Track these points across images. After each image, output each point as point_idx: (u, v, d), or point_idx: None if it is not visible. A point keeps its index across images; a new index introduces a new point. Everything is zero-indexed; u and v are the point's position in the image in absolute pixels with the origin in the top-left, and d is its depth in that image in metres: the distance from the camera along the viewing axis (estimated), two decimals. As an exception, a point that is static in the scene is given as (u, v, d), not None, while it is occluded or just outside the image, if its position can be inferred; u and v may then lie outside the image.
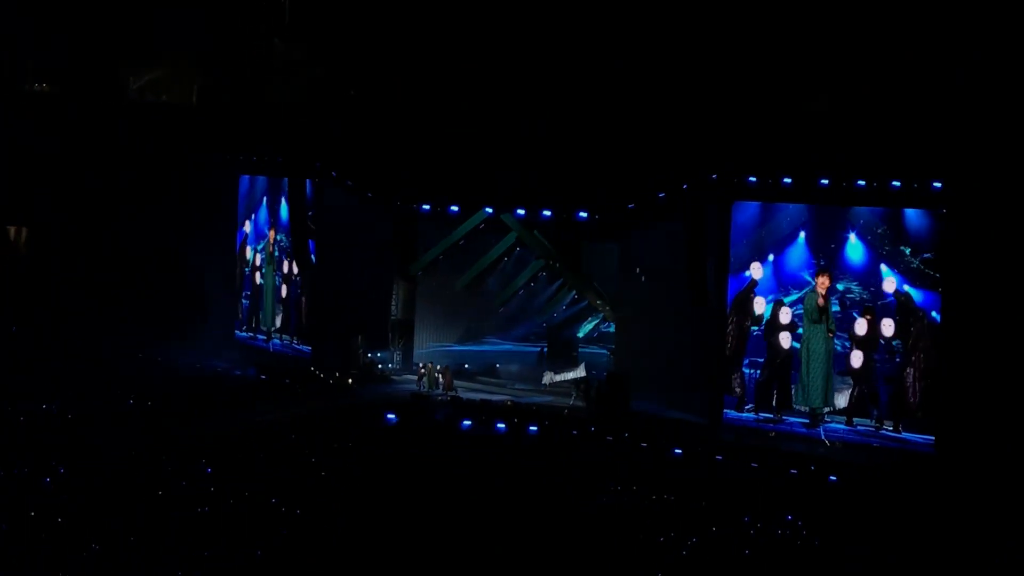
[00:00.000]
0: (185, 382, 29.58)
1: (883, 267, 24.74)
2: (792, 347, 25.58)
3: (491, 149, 29.17)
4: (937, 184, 23.54)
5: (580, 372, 29.76)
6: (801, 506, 20.72)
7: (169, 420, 25.36)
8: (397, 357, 32.46)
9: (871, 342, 24.80)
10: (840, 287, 25.17)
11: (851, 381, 25.03)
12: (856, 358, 24.86)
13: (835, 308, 25.15)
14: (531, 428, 25.88)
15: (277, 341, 33.09)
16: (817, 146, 24.93)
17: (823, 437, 24.64)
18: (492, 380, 31.51)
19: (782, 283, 25.90)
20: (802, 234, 25.71)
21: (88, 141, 33.49)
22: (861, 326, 24.95)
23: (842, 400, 25.14)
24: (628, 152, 27.37)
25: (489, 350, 32.86)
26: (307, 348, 31.73)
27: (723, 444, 24.50)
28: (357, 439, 24.40)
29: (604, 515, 20.12)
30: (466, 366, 31.47)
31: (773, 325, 25.75)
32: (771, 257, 26.05)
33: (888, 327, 24.60)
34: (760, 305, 25.84)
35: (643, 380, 27.62)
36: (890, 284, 24.55)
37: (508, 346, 32.97)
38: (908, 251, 24.37)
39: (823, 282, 25.07)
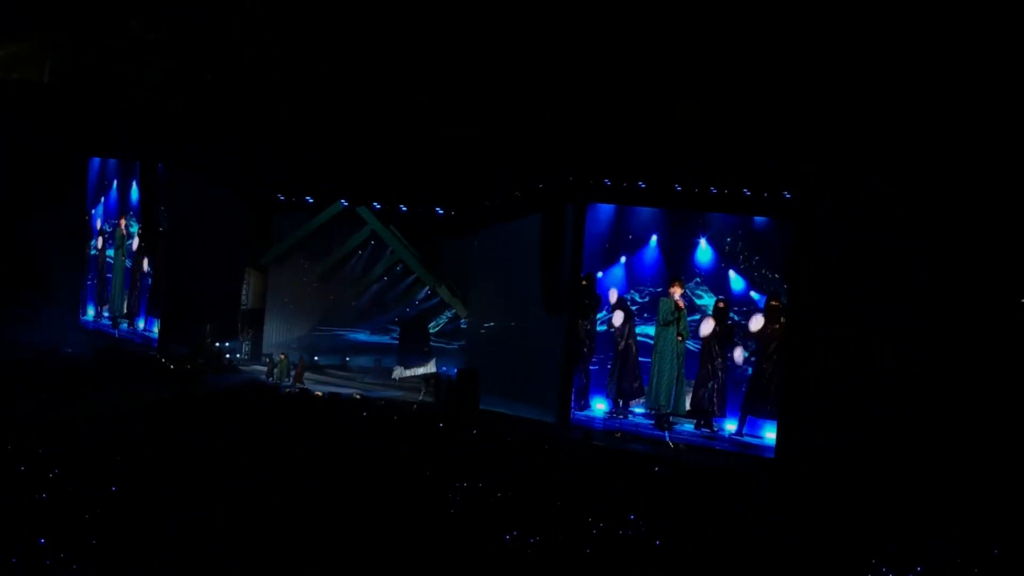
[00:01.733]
0: (26, 364, 28.82)
1: (731, 272, 25.29)
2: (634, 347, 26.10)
3: (348, 141, 28.98)
4: (787, 194, 24.05)
5: (431, 367, 29.75)
6: (642, 506, 20.96)
7: (6, 402, 24.69)
8: (246, 347, 32.12)
9: (716, 345, 25.32)
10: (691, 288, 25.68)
11: (701, 384, 25.51)
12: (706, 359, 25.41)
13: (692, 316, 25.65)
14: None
15: (125, 326, 32.50)
16: (674, 152, 25.25)
17: (668, 439, 25.01)
18: (342, 373, 31.35)
19: (634, 284, 26.31)
20: (654, 238, 26.13)
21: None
22: (707, 326, 25.46)
23: (689, 403, 25.64)
24: (486, 149, 27.42)
25: (341, 342, 32.68)
26: (154, 335, 31.22)
27: (570, 442, 24.69)
28: (198, 427, 24.02)
29: (451, 512, 20.11)
30: (316, 359, 31.24)
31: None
32: (623, 259, 26.44)
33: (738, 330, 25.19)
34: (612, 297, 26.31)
35: (494, 377, 27.72)
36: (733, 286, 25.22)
37: (361, 337, 32.82)
38: (756, 258, 24.92)
39: (676, 291, 25.53)
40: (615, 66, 25.99)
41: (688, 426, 25.80)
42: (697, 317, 26.07)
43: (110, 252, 33.03)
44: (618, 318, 26.59)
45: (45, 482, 19.09)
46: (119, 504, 18.42)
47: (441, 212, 29.66)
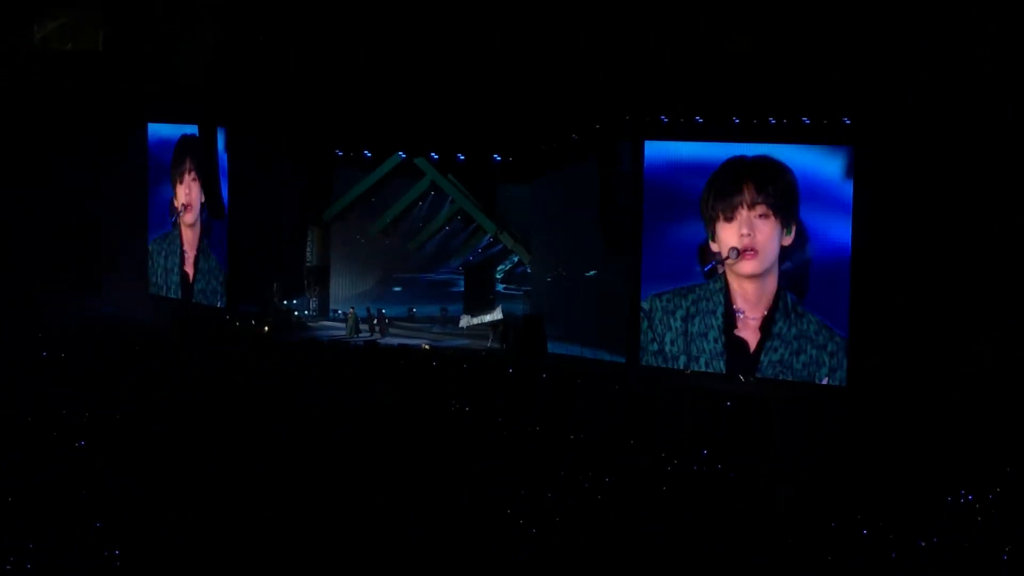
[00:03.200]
0: (100, 333, 29.26)
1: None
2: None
3: (403, 94, 28.97)
4: (847, 120, 23.84)
5: (497, 314, 29.83)
6: (717, 442, 21.04)
7: (87, 371, 25.12)
8: (313, 304, 32.36)
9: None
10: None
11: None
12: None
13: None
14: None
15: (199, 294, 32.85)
16: (729, 86, 25.06)
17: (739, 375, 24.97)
18: (410, 324, 31.52)
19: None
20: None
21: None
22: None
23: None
24: (540, 94, 27.31)
25: (407, 293, 32.84)
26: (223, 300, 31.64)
27: (641, 383, 24.70)
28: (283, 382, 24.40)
29: (527, 456, 20.28)
30: (383, 311, 31.40)
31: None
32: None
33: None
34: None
35: (561, 321, 27.79)
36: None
37: (427, 287, 32.98)
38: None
39: None
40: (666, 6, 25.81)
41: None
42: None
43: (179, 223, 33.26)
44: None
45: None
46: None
47: (499, 159, 29.62)
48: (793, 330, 24.57)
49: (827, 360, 24.20)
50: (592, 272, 27.54)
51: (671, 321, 25.89)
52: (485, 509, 17.16)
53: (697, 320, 25.58)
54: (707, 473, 19.68)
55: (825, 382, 24.04)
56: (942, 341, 22.69)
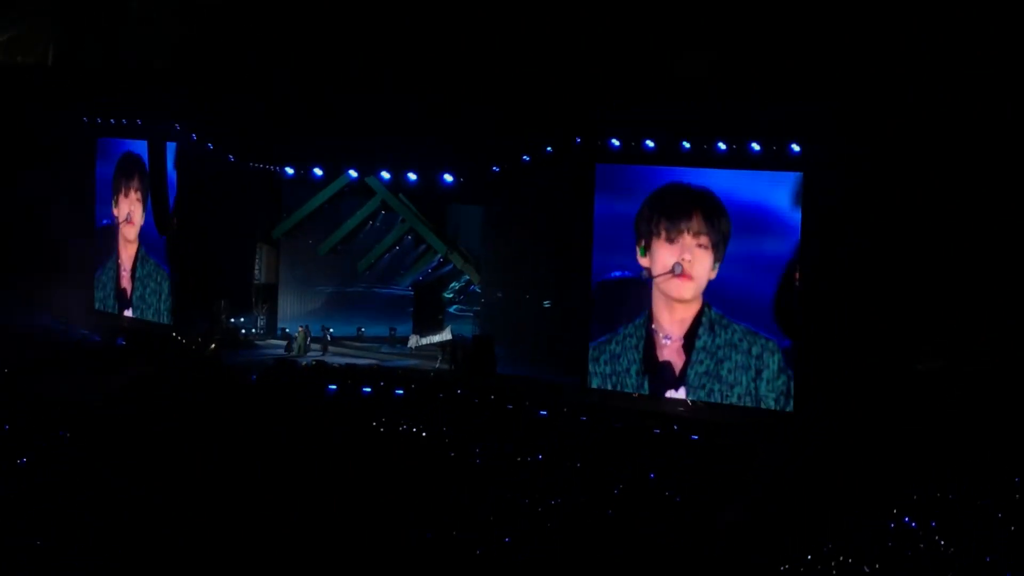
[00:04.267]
0: (44, 346, 28.97)
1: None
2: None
3: (356, 112, 28.94)
4: (795, 148, 24.00)
5: (446, 335, 29.80)
6: (664, 465, 21.06)
7: (27, 384, 24.85)
8: (261, 322, 32.19)
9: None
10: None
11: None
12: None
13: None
14: (397, 391, 25.81)
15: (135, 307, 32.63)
16: (680, 109, 25.21)
17: (687, 397, 25.08)
18: (358, 344, 31.42)
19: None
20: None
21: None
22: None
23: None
24: (493, 115, 27.37)
25: (355, 313, 32.75)
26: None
27: (588, 405, 24.72)
28: (223, 402, 24.16)
29: (473, 476, 20.23)
30: (331, 330, 31.27)
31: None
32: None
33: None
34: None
35: (510, 341, 27.81)
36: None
37: (375, 307, 32.93)
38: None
39: None
40: (616, 23, 25.92)
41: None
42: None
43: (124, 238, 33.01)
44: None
45: (63, 463, 19.29)
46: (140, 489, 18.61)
47: (450, 179, 29.66)
48: (717, 340, 24.91)
49: (752, 363, 24.53)
50: (547, 303, 27.62)
51: (596, 368, 26.16)
52: (429, 529, 17.16)
53: (623, 358, 25.90)
54: (656, 497, 19.69)
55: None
56: (887, 357, 23.01)
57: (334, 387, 25.90)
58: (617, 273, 25.88)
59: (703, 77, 25.23)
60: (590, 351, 26.04)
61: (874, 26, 23.40)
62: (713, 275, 24.97)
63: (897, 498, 18.27)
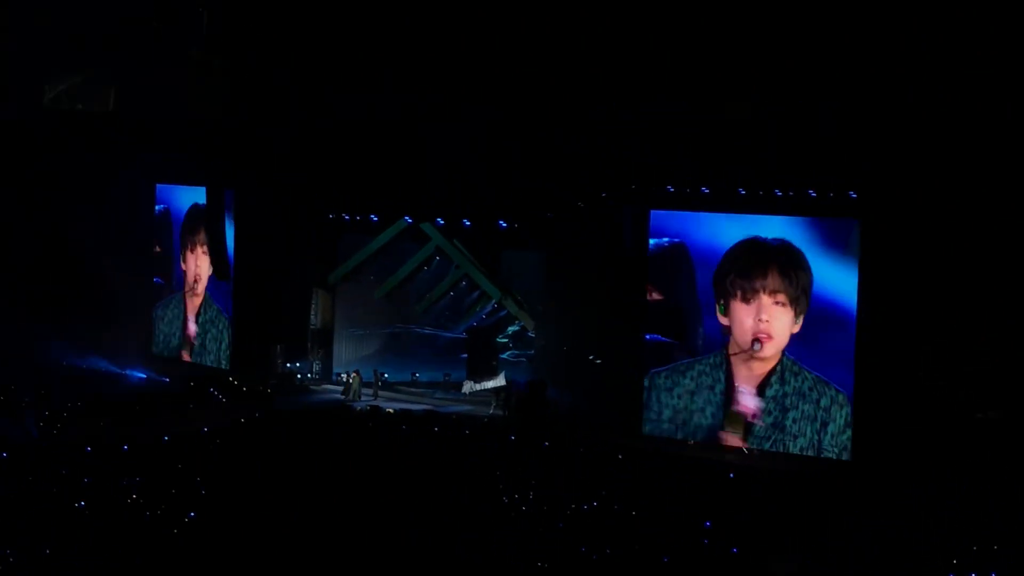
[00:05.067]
0: (102, 391, 29.16)
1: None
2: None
3: (412, 159, 29.13)
4: (853, 194, 23.88)
5: (500, 380, 29.79)
6: (721, 512, 20.87)
7: (91, 429, 24.99)
8: (316, 367, 32.30)
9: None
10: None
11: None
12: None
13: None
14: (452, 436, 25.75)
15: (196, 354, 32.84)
16: (734, 156, 25.17)
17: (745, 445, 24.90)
18: (412, 389, 31.46)
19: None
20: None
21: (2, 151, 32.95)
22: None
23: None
24: (547, 161, 27.47)
25: (409, 358, 32.81)
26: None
27: (643, 450, 24.59)
28: (283, 448, 24.20)
29: (527, 522, 20.13)
30: (385, 375, 31.34)
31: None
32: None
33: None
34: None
35: (564, 387, 27.75)
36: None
37: (429, 352, 32.96)
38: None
39: None
40: (673, 74, 25.96)
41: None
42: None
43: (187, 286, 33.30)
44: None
45: (126, 506, 19.36)
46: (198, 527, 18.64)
47: (505, 225, 29.70)
48: (786, 387, 24.64)
49: (819, 415, 24.23)
50: (597, 359, 27.58)
51: (668, 399, 26.02)
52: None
53: (697, 396, 25.70)
54: (710, 546, 19.50)
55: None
56: (951, 410, 22.76)
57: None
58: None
59: (754, 125, 25.21)
60: (657, 378, 26.01)
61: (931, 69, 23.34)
62: (796, 329, 24.59)
63: (957, 551, 18.06)
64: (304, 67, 30.27)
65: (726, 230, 25.40)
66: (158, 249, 33.87)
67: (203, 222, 32.20)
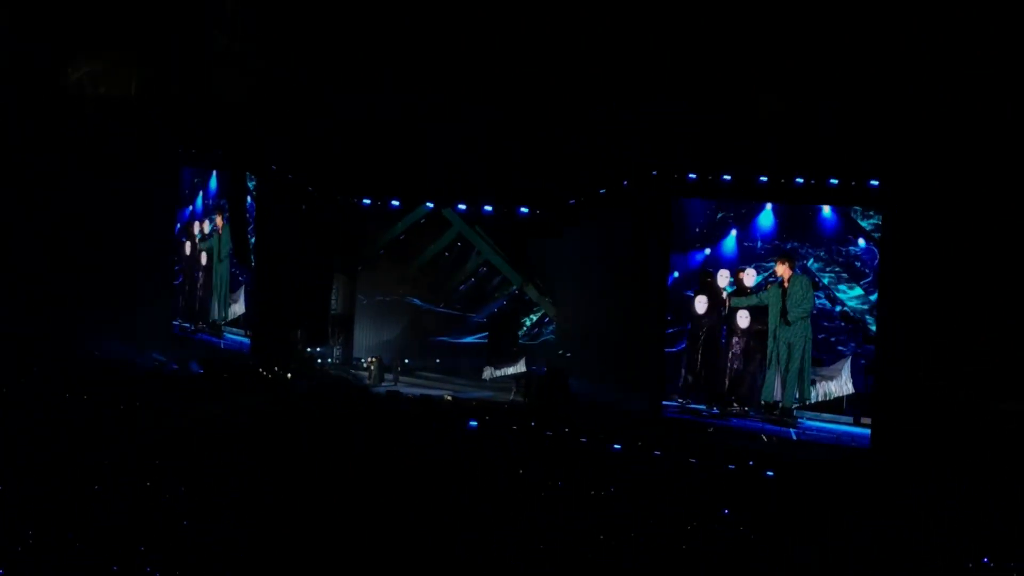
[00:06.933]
0: (123, 375, 29.19)
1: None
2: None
3: (432, 143, 29.12)
4: (874, 182, 23.77)
5: (520, 367, 29.81)
6: (740, 502, 20.83)
7: (108, 414, 25.01)
8: (337, 352, 32.37)
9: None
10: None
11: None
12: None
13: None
14: (471, 423, 25.77)
15: (230, 335, 32.70)
16: (758, 144, 25.10)
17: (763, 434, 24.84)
18: (432, 375, 31.49)
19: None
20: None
21: (23, 133, 32.94)
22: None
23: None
24: (569, 147, 27.43)
25: (430, 344, 32.82)
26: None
27: (664, 439, 24.55)
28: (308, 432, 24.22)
29: (546, 511, 20.12)
30: (406, 361, 31.39)
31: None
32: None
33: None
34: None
35: (585, 373, 27.73)
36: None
37: (450, 338, 32.96)
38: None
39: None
40: (698, 59, 25.88)
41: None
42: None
43: (201, 260, 33.20)
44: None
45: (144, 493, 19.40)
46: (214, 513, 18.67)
47: (526, 211, 29.67)
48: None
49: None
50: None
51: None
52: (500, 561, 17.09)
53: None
54: (726, 533, 19.46)
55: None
56: (970, 403, 22.63)
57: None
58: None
59: (781, 113, 25.11)
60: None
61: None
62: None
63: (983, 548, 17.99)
64: (329, 51, 30.26)
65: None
66: (182, 234, 33.87)
67: (225, 206, 32.22)
